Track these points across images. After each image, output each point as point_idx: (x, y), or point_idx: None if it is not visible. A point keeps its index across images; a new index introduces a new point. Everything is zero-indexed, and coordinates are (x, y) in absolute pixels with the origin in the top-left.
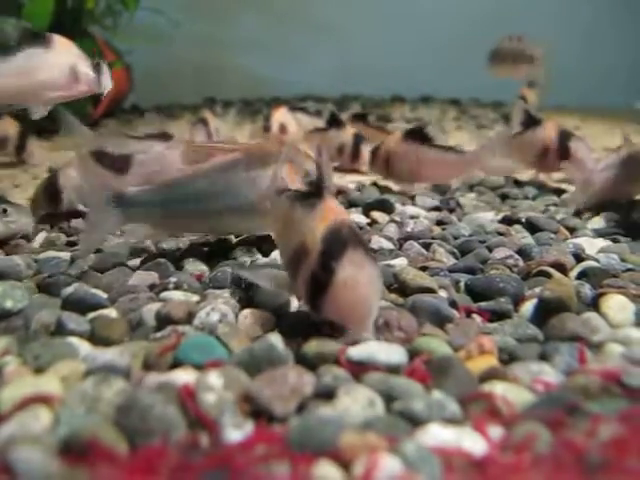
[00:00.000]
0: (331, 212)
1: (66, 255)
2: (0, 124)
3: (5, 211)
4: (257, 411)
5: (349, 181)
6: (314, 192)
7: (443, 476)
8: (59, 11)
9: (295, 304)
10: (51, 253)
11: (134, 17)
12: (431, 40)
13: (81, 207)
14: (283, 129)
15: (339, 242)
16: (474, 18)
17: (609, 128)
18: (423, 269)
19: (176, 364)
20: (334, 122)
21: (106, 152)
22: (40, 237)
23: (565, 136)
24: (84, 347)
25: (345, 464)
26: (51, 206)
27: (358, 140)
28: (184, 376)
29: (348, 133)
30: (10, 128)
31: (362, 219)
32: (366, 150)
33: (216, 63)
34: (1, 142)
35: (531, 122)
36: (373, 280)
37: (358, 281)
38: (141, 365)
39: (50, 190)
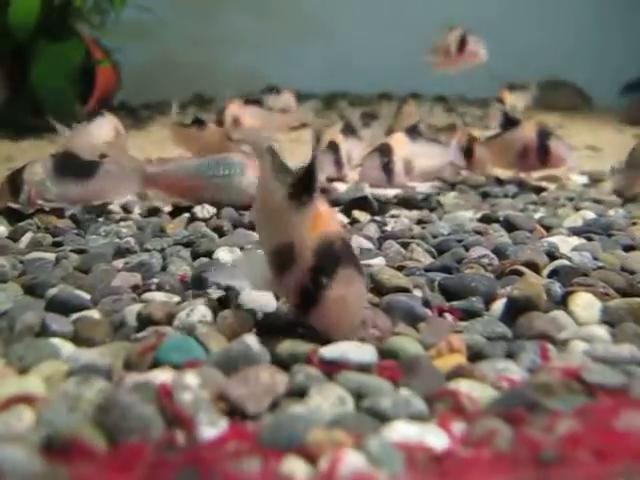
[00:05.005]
0: (323, 219)
1: (51, 256)
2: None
3: None
4: (232, 409)
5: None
6: (305, 188)
7: (405, 471)
8: (46, 8)
9: (274, 304)
10: (37, 254)
11: (121, 14)
12: (418, 37)
13: (40, 202)
14: (237, 122)
15: (332, 258)
16: (467, 16)
17: (591, 126)
18: (400, 268)
19: (156, 364)
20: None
21: (74, 155)
22: (26, 238)
23: (544, 135)
24: (67, 348)
25: (312, 460)
26: (13, 199)
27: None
28: (162, 376)
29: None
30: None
31: (343, 218)
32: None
33: (204, 60)
34: None
35: (509, 123)
36: (361, 295)
37: (347, 299)
38: (122, 365)
39: (13, 183)
